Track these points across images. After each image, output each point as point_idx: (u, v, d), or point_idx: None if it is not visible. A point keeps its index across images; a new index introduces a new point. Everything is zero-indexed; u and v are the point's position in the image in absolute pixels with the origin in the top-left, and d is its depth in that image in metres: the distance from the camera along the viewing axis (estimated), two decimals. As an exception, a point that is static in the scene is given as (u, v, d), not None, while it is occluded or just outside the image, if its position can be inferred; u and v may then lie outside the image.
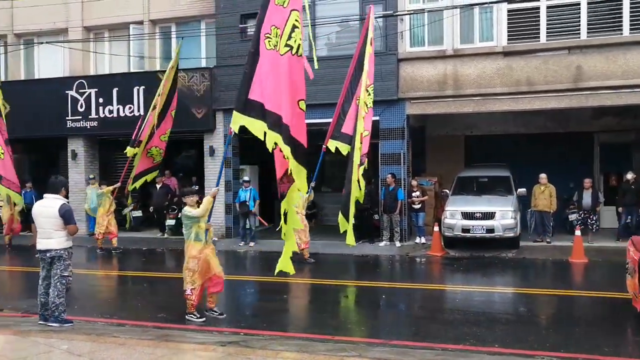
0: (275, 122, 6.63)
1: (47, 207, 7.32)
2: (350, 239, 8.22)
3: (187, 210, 7.73)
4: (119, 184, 14.26)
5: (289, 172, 6.65)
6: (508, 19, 13.87)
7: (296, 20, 6.68)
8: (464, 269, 12.04)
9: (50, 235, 7.27)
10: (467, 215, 13.20)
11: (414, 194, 14.60)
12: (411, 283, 10.60)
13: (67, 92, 17.33)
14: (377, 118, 13.93)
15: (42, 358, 5.86)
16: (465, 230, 13.15)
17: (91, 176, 17.27)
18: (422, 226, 14.70)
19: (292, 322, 8.09)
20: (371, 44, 9.37)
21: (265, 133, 6.68)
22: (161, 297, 9.91)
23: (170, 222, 16.78)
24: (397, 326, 8.11)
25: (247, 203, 14.75)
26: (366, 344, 6.71)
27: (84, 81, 17.29)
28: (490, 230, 12.97)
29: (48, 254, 7.30)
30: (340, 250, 13.47)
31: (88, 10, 17.67)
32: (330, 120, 10.94)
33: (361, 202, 9.60)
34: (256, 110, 6.76)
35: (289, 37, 6.64)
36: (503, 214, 13.02)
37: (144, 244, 15.38)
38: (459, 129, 17.08)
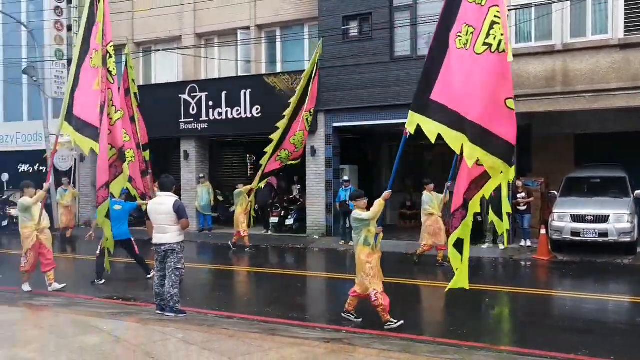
0: (460, 122, 6.39)
1: (161, 204, 7.80)
2: (506, 240, 8.43)
3: (357, 213, 7.52)
4: (254, 184, 14.88)
5: (482, 176, 6.47)
6: (625, 9, 13.01)
7: (495, 15, 6.30)
8: (574, 274, 11.47)
9: (164, 230, 7.76)
10: (577, 218, 12.55)
11: (519, 195, 14.11)
12: (516, 287, 10.24)
13: (180, 95, 18.43)
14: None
15: (159, 345, 6.26)
16: (575, 233, 12.51)
17: (201, 175, 18.29)
18: (527, 228, 14.17)
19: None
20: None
21: (439, 135, 6.53)
22: (266, 292, 10.30)
23: (273, 219, 17.33)
24: (501, 331, 7.92)
25: (347, 202, 14.89)
26: (469, 347, 6.60)
27: (196, 85, 18.28)
28: (604, 234, 12.25)
29: (162, 248, 7.80)
30: (442, 252, 13.29)
31: (200, 18, 18.67)
32: None
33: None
34: (435, 110, 6.59)
35: (487, 35, 6.30)
36: (618, 217, 12.25)
37: (250, 240, 15.94)
38: (569, 127, 16.20)
